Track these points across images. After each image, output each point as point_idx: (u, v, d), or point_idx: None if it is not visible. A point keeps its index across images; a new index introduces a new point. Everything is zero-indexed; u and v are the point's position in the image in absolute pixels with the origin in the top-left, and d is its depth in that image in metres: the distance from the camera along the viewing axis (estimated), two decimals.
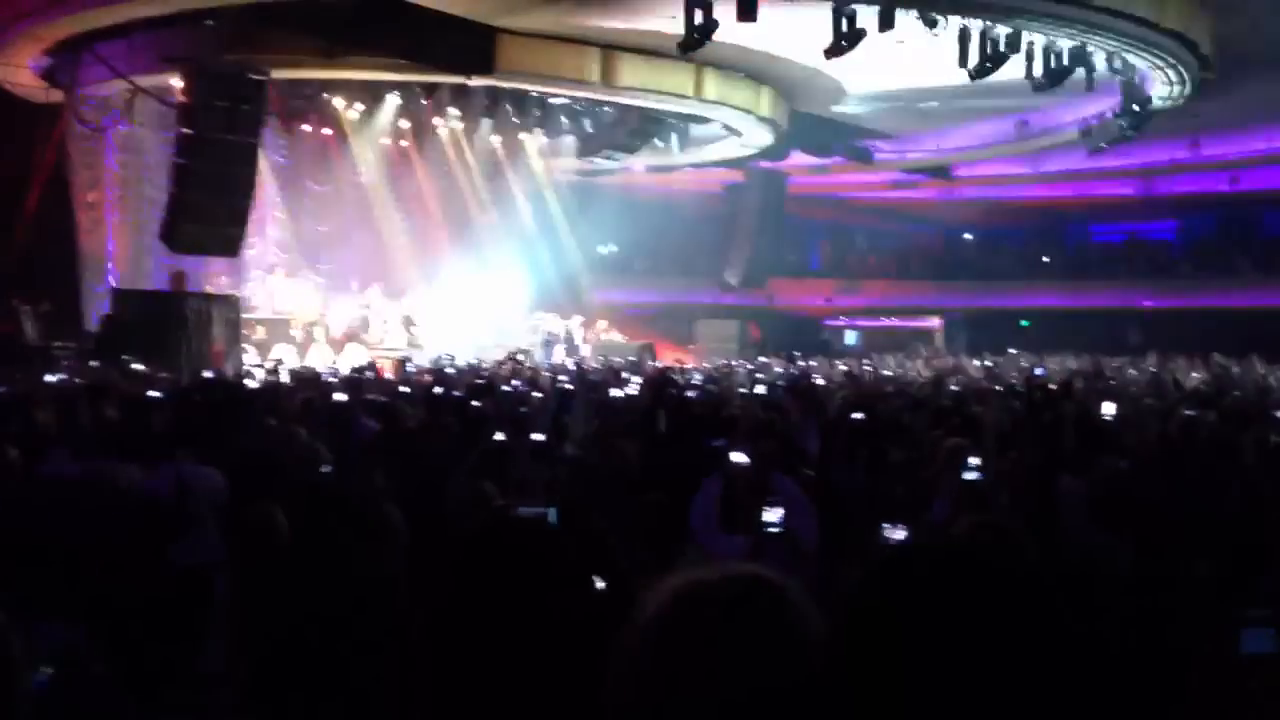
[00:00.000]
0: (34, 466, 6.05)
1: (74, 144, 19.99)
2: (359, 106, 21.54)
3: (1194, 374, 16.88)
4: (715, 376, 16.10)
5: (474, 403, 9.35)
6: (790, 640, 1.28)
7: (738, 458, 3.66)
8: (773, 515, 3.43)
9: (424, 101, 20.46)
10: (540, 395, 11.63)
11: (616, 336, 27.96)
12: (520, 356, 19.52)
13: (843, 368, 19.21)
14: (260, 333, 20.78)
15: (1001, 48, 15.08)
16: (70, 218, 20.34)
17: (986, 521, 3.39)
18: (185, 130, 16.86)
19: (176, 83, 17.29)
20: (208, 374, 13.52)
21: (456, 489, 5.17)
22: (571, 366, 18.72)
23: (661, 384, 12.00)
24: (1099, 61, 16.22)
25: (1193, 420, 7.95)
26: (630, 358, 20.80)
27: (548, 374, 16.04)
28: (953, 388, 12.54)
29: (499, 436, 6.73)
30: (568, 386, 12.82)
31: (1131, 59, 16.50)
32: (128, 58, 17.16)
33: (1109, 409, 8.81)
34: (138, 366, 13.39)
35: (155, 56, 16.97)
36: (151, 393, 9.68)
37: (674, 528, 4.10)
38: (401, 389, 11.75)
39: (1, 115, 18.94)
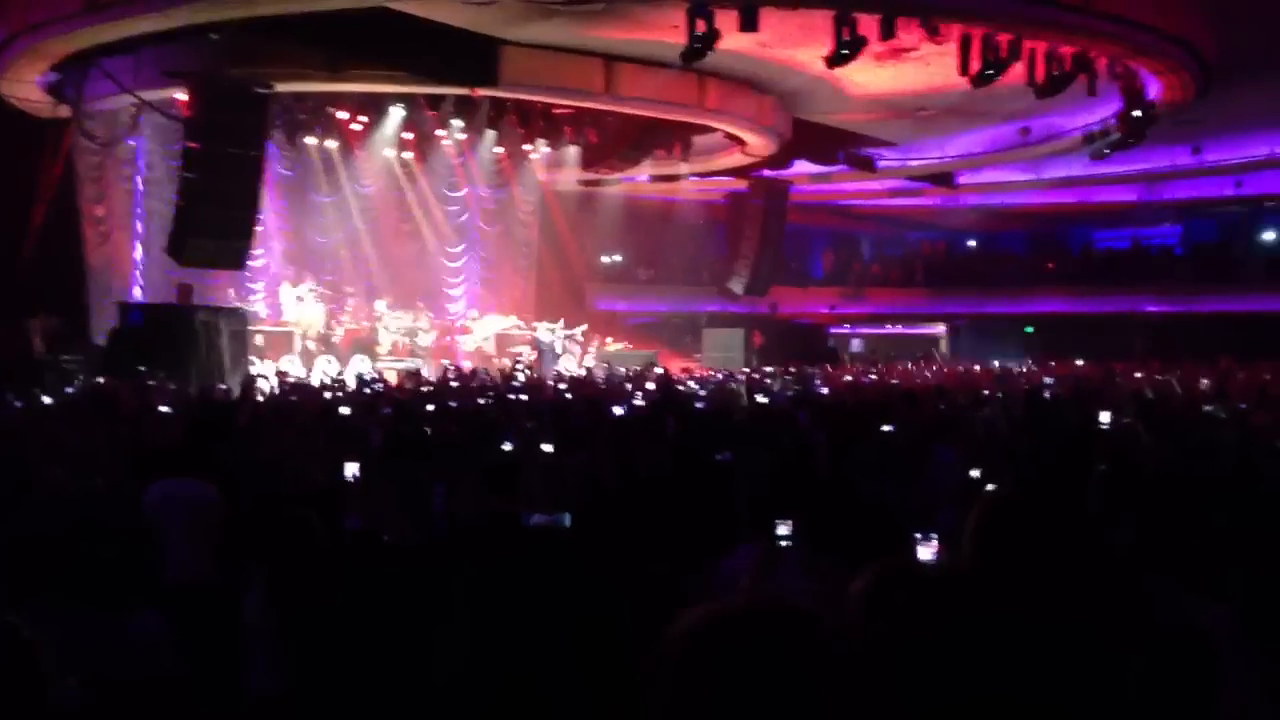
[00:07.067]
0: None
1: (80, 158, 20.05)
2: (363, 118, 21.59)
3: (1203, 380, 16.80)
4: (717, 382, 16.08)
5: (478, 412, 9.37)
6: (810, 683, 1.27)
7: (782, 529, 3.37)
8: (784, 528, 3.39)
9: (428, 113, 20.49)
10: (543, 404, 11.64)
11: (619, 346, 27.96)
12: (522, 366, 19.54)
13: (847, 377, 19.17)
14: (266, 344, 20.83)
15: (1003, 54, 15.10)
16: (77, 231, 20.38)
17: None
18: (191, 144, 16.89)
19: (182, 96, 17.36)
20: (217, 386, 13.58)
21: (465, 499, 5.18)
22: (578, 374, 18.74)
23: (668, 388, 12.01)
24: (1101, 67, 16.23)
25: None
26: (635, 368, 20.80)
27: (551, 383, 16.07)
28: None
29: (506, 446, 6.73)
30: (569, 396, 12.83)
31: (1134, 64, 16.50)
32: (134, 72, 17.22)
33: (1105, 417, 8.78)
34: (150, 381, 13.42)
35: (160, 71, 17.02)
36: (162, 408, 9.71)
37: (690, 539, 4.07)
38: (409, 399, 11.77)
39: (8, 130, 18.96)
